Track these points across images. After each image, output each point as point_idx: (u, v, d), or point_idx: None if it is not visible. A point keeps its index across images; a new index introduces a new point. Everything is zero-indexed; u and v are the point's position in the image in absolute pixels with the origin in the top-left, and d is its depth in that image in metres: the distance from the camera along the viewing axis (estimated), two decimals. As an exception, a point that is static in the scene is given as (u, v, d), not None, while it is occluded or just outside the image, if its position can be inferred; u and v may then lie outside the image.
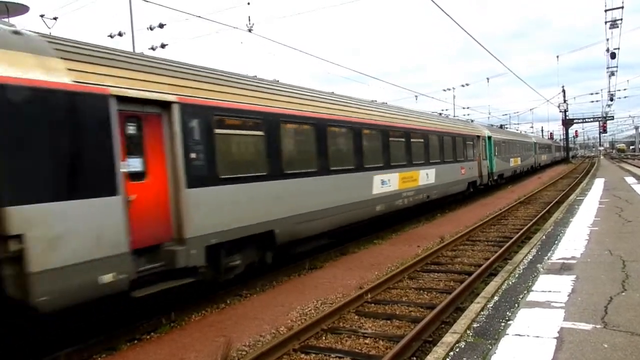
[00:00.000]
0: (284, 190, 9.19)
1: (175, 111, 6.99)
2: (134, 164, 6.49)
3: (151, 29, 20.14)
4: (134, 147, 6.50)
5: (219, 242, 7.54)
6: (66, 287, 5.44)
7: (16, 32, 5.66)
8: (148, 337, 6.66)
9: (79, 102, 5.78)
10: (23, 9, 22.69)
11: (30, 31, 5.98)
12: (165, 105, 6.93)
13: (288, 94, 10.00)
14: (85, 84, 5.90)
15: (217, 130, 7.72)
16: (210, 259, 7.40)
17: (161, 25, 20.13)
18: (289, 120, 9.59)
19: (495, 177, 26.81)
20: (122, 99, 6.27)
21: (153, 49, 20.84)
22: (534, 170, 45.22)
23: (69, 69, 5.81)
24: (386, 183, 13.25)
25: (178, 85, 7.21)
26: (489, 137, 25.83)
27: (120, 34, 20.72)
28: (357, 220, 12.05)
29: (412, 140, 15.18)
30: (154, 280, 6.65)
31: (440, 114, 36.20)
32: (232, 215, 7.86)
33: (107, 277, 5.82)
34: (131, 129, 6.49)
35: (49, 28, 18.97)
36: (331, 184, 10.72)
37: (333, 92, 13.05)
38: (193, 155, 7.21)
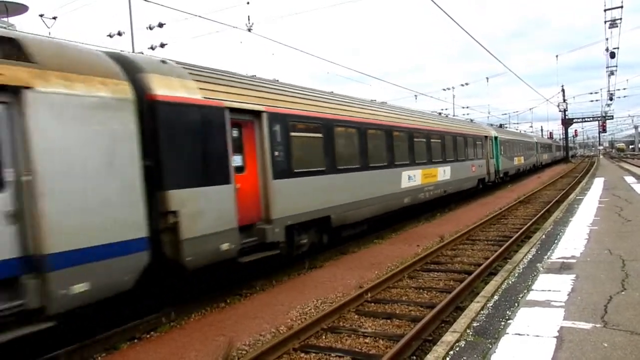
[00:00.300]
0: (337, 183, 11.11)
1: (264, 118, 8.85)
2: (237, 160, 8.30)
3: (151, 28, 20.10)
4: (236, 147, 8.28)
5: (293, 223, 9.43)
6: (202, 251, 7.27)
7: (163, 62, 7.56)
8: (148, 336, 6.67)
9: (207, 113, 7.63)
10: (22, 9, 22.65)
11: (170, 60, 7.77)
12: (257, 114, 8.76)
13: (337, 102, 12.00)
14: (210, 99, 7.74)
15: (292, 133, 9.61)
16: (287, 236, 9.24)
17: (161, 25, 20.09)
18: (339, 124, 11.41)
19: (501, 175, 28.32)
20: (231, 110, 8.06)
21: (152, 48, 20.80)
22: (536, 168, 46.58)
23: (200, 88, 7.67)
24: (412, 178, 15.16)
25: (265, 98, 9.08)
26: (496, 138, 27.47)
27: (119, 34, 20.68)
28: (389, 210, 13.83)
29: (431, 140, 17.15)
30: (251, 252, 8.47)
31: (440, 113, 36.29)
32: (302, 202, 9.75)
33: (225, 246, 7.69)
34: (235, 133, 8.28)
35: (48, 28, 18.96)
36: (370, 178, 12.63)
37: (372, 100, 15.18)
38: (276, 153, 9.09)
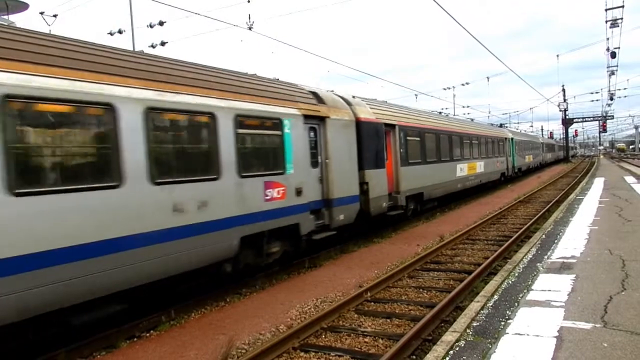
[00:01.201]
0: (426, 171, 16.55)
1: (397, 129, 14.50)
2: (385, 154, 13.55)
3: (151, 26, 20.08)
4: (385, 146, 13.60)
5: (408, 195, 14.94)
6: (377, 206, 12.63)
7: (354, 97, 12.99)
8: (148, 335, 6.67)
9: (377, 126, 13.07)
10: (23, 7, 22.59)
11: (356, 96, 13.43)
12: (393, 126, 14.31)
13: (425, 116, 18.41)
14: (378, 118, 13.24)
15: (407, 137, 15.28)
16: (405, 203, 14.70)
17: (161, 23, 20.06)
18: (426, 131, 17.05)
19: (516, 170, 33.94)
20: (384, 125, 13.60)
21: (153, 46, 20.78)
22: (542, 166, 51.71)
23: (373, 112, 13.18)
24: (462, 170, 20.84)
25: (396, 116, 14.88)
26: (512, 139, 33.09)
27: (120, 32, 20.66)
28: (449, 192, 19.23)
29: (473, 141, 22.97)
30: (390, 211, 13.78)
31: (440, 113, 36.75)
32: (412, 182, 15.29)
33: (384, 204, 13.12)
34: (384, 138, 13.52)
35: (49, 25, 18.93)
36: (441, 169, 18.23)
37: (440, 113, 22.01)
38: (401, 150, 14.66)
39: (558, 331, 4.85)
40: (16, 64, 5.17)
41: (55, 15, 19.23)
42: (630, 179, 24.15)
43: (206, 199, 7.19)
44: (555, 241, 9.50)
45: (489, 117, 65.97)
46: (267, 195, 8.57)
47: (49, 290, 5.22)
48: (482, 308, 5.84)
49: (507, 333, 4.93)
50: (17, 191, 4.97)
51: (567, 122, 68.06)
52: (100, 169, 5.94)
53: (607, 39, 29.66)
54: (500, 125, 43.74)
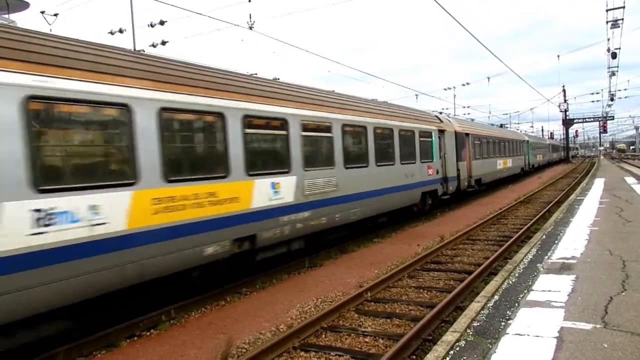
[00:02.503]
0: (484, 163, 24.20)
1: (470, 136, 21.92)
2: (465, 152, 21.02)
3: (152, 26, 20.04)
4: (464, 147, 21.15)
5: (475, 179, 22.08)
6: (463, 184, 20.49)
7: (450, 116, 26.93)
8: (148, 333, 6.67)
9: (463, 135, 20.90)
10: (23, 5, 22.58)
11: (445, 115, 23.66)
12: (467, 134, 21.58)
13: (482, 126, 28.06)
14: (462, 130, 21.01)
15: (475, 141, 22.59)
16: (474, 184, 22.10)
17: (162, 22, 20.03)
18: (482, 137, 24.38)
19: (530, 166, 41.76)
20: (465, 134, 21.20)
21: (154, 46, 20.74)
22: (549, 164, 59.72)
23: (460, 126, 20.99)
24: (499, 164, 28.41)
25: (470, 127, 23.06)
26: (527, 141, 41.20)
27: (120, 31, 20.63)
28: (493, 180, 26.61)
29: (505, 144, 30.71)
30: (468, 188, 21.48)
31: (441, 113, 37.22)
32: (477, 170, 22.46)
33: (466, 184, 20.97)
34: (463, 141, 20.70)
35: (50, 24, 18.91)
36: (489, 162, 25.56)
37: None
38: (472, 150, 22.00)
39: (558, 332, 4.84)
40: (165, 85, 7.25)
41: (56, 14, 19.20)
42: (630, 180, 24.14)
43: (411, 172, 14.86)
44: (556, 242, 9.50)
45: (489, 117, 66.00)
46: (428, 172, 16.28)
47: (367, 208, 12.27)
48: (482, 308, 5.84)
49: (508, 333, 4.93)
50: (379, 164, 12.89)
51: (567, 123, 68.06)
52: (390, 156, 13.65)
53: (608, 39, 29.70)
54: (501, 126, 44.50)
